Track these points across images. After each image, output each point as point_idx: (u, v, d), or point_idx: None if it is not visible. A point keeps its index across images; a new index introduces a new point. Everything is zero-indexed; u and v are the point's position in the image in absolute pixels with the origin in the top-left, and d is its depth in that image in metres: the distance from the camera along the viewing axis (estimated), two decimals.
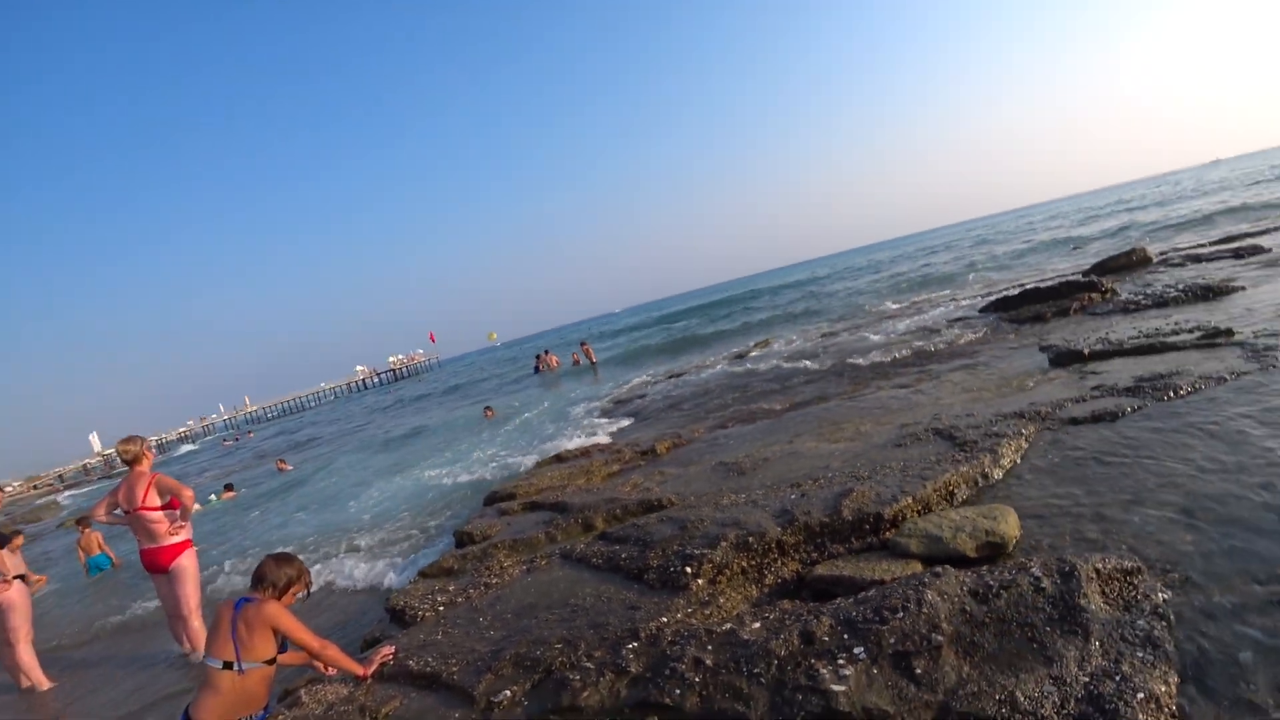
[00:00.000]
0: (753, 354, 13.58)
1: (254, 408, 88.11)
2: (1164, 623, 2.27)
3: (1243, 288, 7.68)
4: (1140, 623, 2.24)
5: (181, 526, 5.03)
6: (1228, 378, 4.61)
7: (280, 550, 3.55)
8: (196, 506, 14.12)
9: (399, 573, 5.83)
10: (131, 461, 5.01)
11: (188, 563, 5.04)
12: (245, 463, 24.66)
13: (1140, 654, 2.10)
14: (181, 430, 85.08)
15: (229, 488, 15.24)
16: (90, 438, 66.36)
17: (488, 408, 16.26)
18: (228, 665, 2.72)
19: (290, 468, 17.32)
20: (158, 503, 4.92)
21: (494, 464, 9.37)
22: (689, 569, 3.28)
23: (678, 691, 2.34)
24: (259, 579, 2.89)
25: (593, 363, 23.62)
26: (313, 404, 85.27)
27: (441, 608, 3.85)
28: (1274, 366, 4.66)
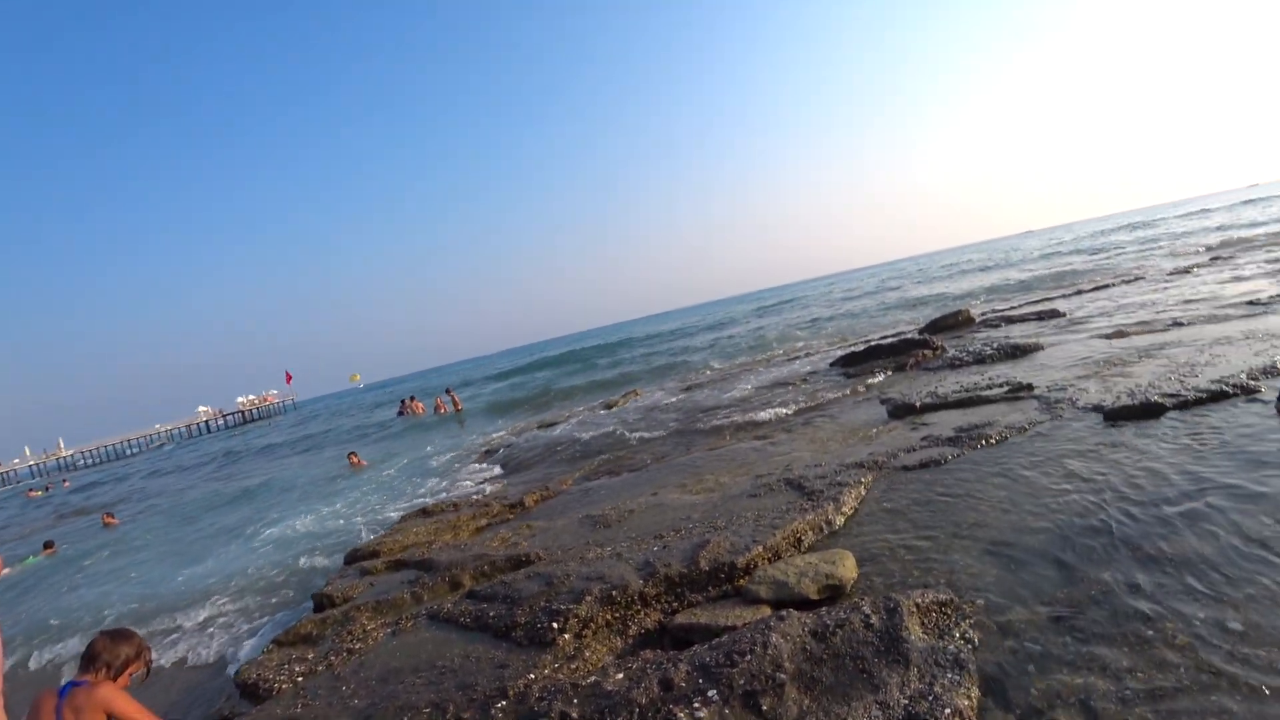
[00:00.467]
0: (621, 405, 13.88)
1: (69, 452, 77.70)
2: (970, 646, 2.63)
3: (1042, 347, 8.87)
4: (950, 648, 2.58)
5: None
6: (1027, 427, 5.34)
7: (114, 626, 3.28)
8: (5, 570, 12.51)
9: (251, 641, 5.46)
10: None
11: None
12: (58, 517, 21.79)
13: (950, 675, 2.42)
14: None
15: (48, 544, 13.54)
16: None
17: (352, 454, 15.49)
18: None
19: (118, 522, 15.58)
20: None
21: (357, 518, 8.97)
22: (555, 625, 3.37)
23: None
24: (90, 659, 2.68)
25: (458, 410, 23.03)
26: (141, 449, 76.55)
27: (300, 678, 3.68)
28: (1061, 416, 5.46)
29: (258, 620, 5.98)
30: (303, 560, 7.59)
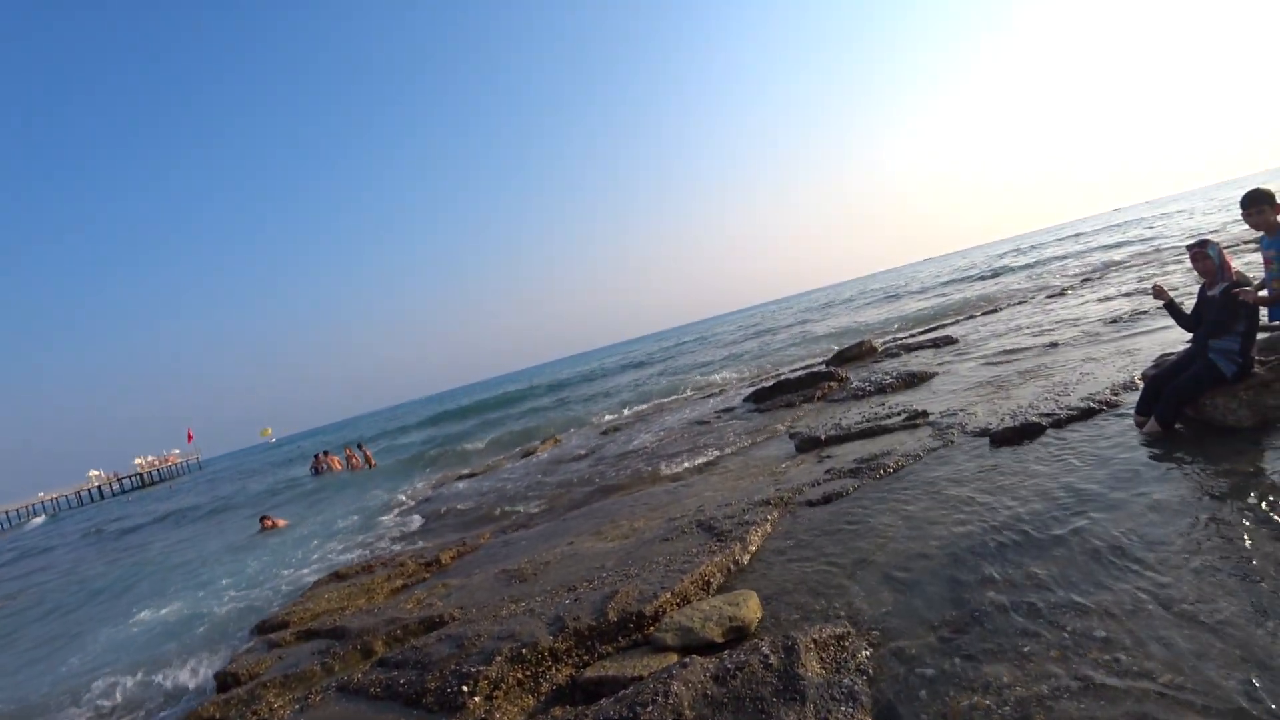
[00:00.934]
0: (540, 452, 13.79)
1: None
2: (864, 676, 2.77)
3: (937, 374, 9.41)
4: (845, 681, 2.72)
5: None
6: (922, 455, 5.66)
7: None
8: None
9: None
10: None
11: None
12: None
13: (844, 708, 2.55)
14: None
15: None
16: None
17: (265, 517, 14.70)
18: None
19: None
20: None
21: (265, 586, 8.53)
22: (465, 688, 3.34)
23: None
24: None
25: (370, 465, 22.25)
26: (17, 520, 69.48)
27: None
28: (952, 442, 5.82)
29: (152, 709, 5.60)
30: (203, 635, 7.15)
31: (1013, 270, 31.86)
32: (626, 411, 17.94)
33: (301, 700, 4.05)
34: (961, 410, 6.83)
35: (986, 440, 5.60)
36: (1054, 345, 9.34)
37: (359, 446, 23.44)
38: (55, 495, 76.89)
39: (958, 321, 16.73)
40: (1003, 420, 5.87)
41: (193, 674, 6.18)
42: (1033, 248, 50.58)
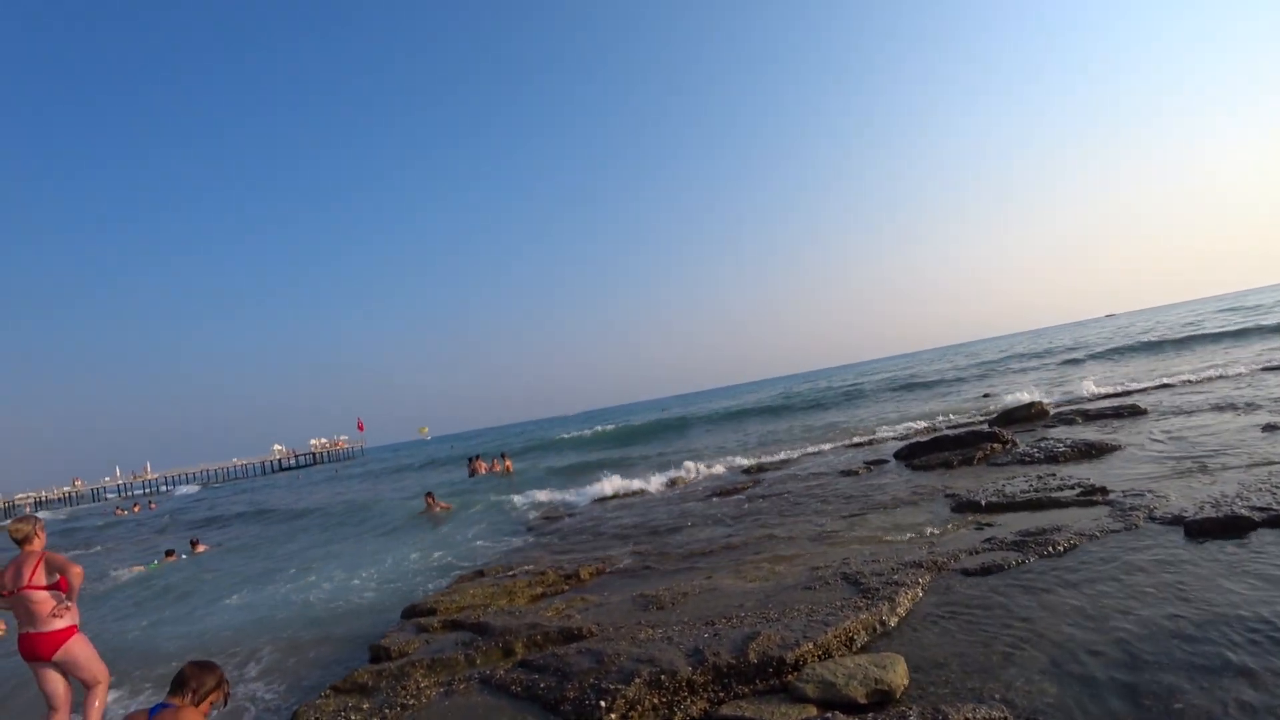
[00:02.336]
0: (682, 484, 13.81)
1: (154, 475, 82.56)
2: None
3: (1120, 446, 8.53)
4: None
5: (67, 608, 4.71)
6: (1099, 535, 5.16)
7: (201, 658, 3.52)
8: (139, 568, 13.99)
9: (309, 683, 5.66)
10: (22, 541, 4.78)
11: (78, 650, 4.74)
12: (141, 537, 22.91)
13: None
14: (65, 490, 78.34)
15: (170, 552, 14.95)
16: None
17: (429, 494, 15.83)
18: None
19: (205, 548, 16.29)
20: (44, 582, 4.65)
21: (415, 575, 9.21)
22: (603, 703, 3.44)
23: None
24: (180, 684, 2.90)
25: (509, 473, 23.35)
26: (220, 479, 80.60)
27: None
28: (1136, 526, 5.25)
29: (316, 663, 6.20)
30: (360, 608, 7.84)
31: (1213, 338, 27.99)
32: (778, 452, 17.67)
33: (446, 685, 4.32)
34: (1149, 492, 6.16)
35: (1179, 529, 5.01)
36: (1272, 428, 8.19)
37: (502, 456, 24.69)
38: (245, 462, 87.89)
39: (1145, 391, 15.06)
40: (1201, 508, 5.23)
41: (348, 639, 6.78)
42: (1254, 307, 44.44)
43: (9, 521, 4.85)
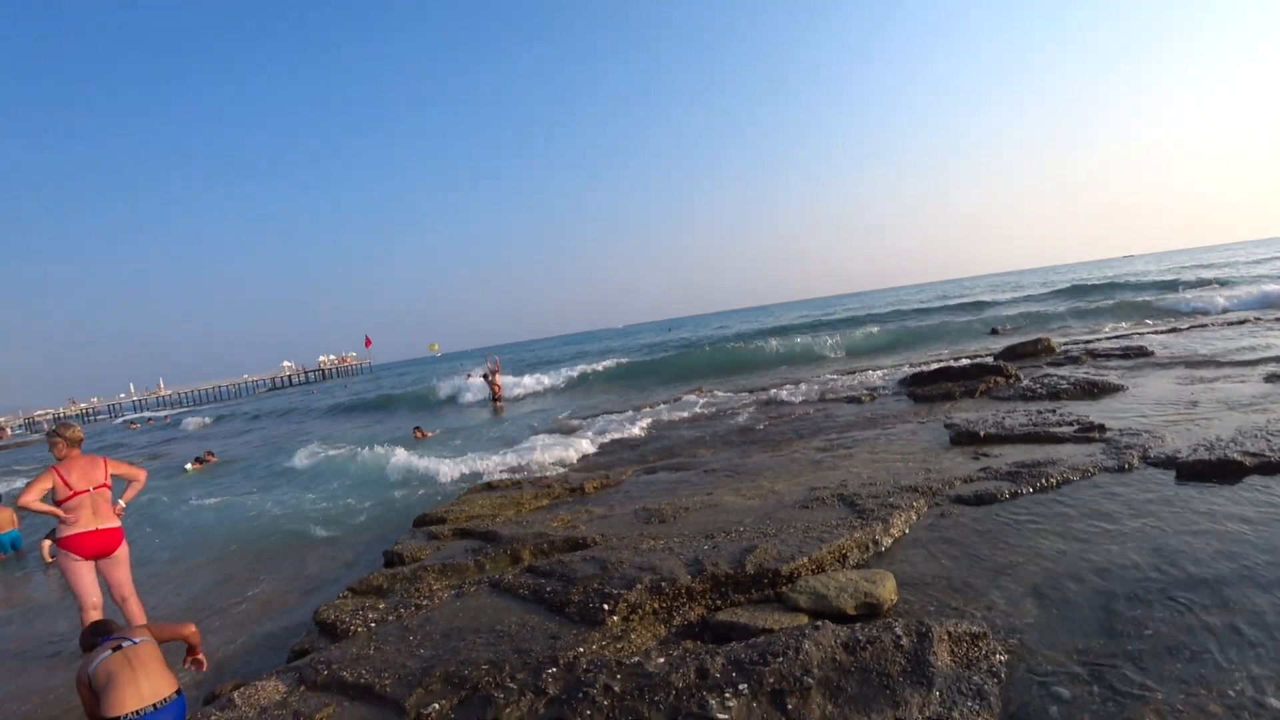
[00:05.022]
0: (692, 404, 13.98)
1: (168, 391, 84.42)
2: (995, 680, 2.75)
3: (1124, 387, 8.59)
4: (975, 678, 2.72)
5: (122, 509, 5.12)
6: (1091, 471, 5.28)
7: None
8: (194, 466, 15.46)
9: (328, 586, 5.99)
10: (78, 443, 5.11)
11: (126, 549, 5.13)
12: (158, 449, 23.66)
13: (970, 703, 2.57)
14: (83, 405, 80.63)
15: (199, 460, 15.84)
16: None
17: (417, 428, 16.14)
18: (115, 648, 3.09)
19: (216, 459, 16.82)
20: (110, 481, 5.04)
21: (424, 485, 9.53)
22: (606, 606, 3.65)
23: (588, 712, 2.70)
24: None
25: (497, 397, 22.56)
26: (232, 395, 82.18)
27: (373, 624, 4.09)
28: (1129, 465, 5.36)
29: (331, 568, 6.53)
30: (372, 516, 8.19)
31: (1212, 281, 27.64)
32: (781, 373, 17.84)
33: (457, 588, 4.56)
34: (1146, 432, 6.23)
35: (1171, 471, 5.11)
36: (1275, 378, 8.20)
37: (492, 373, 23.21)
38: (255, 378, 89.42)
39: (1156, 333, 15.02)
40: (1195, 450, 5.30)
41: (363, 545, 7.12)
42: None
43: (56, 428, 5.10)
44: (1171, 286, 28.77)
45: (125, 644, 3.14)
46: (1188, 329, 15.01)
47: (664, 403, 14.73)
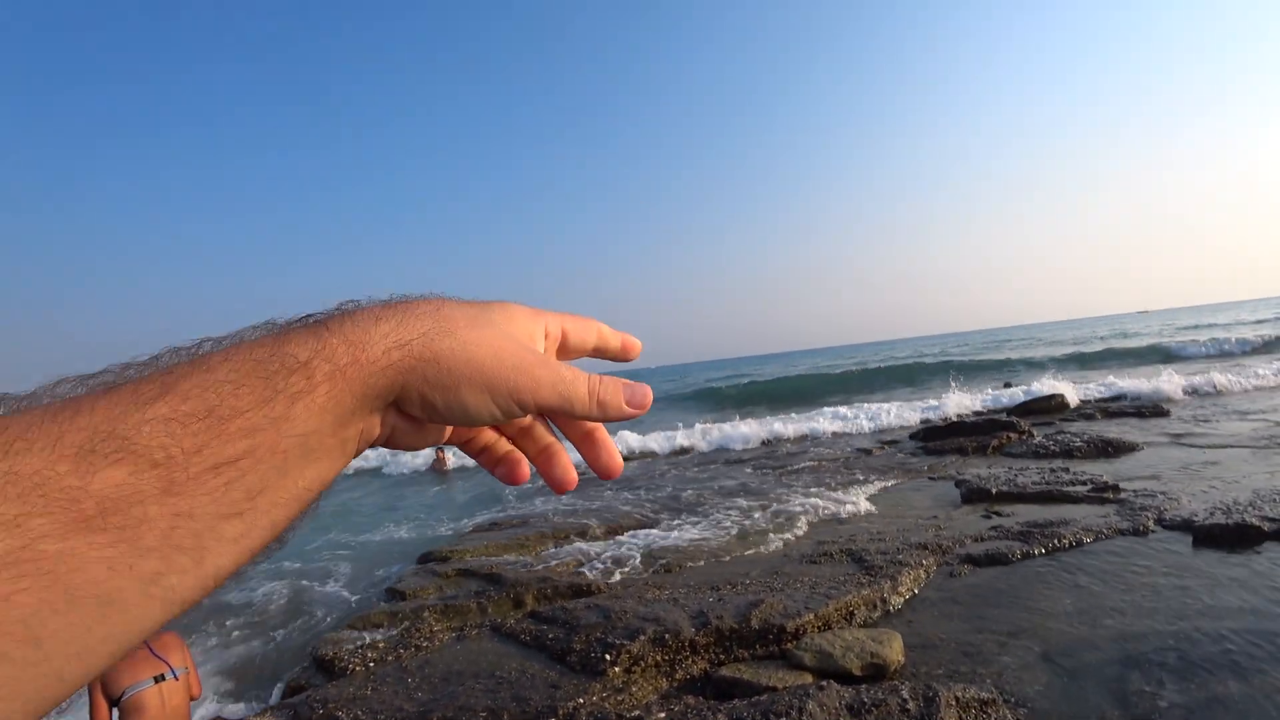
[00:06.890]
0: (694, 450, 13.90)
1: None
2: None
3: (1139, 447, 8.48)
4: None
5: None
6: (1105, 533, 5.20)
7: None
8: None
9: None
10: None
11: None
12: None
13: None
14: None
15: None
16: None
17: (439, 453, 15.70)
18: (158, 679, 2.94)
19: None
20: None
21: (429, 520, 9.50)
22: (608, 656, 3.60)
23: None
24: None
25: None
26: None
27: (371, 663, 4.05)
28: (1145, 528, 5.27)
29: (330, 604, 6.47)
30: (377, 551, 8.13)
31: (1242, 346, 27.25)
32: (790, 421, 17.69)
33: (459, 630, 4.53)
34: (1161, 493, 6.14)
35: (1188, 534, 5.02)
36: None
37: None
38: None
39: (1169, 393, 14.81)
40: (1211, 514, 5.21)
41: (366, 579, 7.06)
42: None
43: None
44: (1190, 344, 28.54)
45: (167, 676, 3.04)
46: (1205, 388, 14.80)
47: (670, 448, 14.60)
